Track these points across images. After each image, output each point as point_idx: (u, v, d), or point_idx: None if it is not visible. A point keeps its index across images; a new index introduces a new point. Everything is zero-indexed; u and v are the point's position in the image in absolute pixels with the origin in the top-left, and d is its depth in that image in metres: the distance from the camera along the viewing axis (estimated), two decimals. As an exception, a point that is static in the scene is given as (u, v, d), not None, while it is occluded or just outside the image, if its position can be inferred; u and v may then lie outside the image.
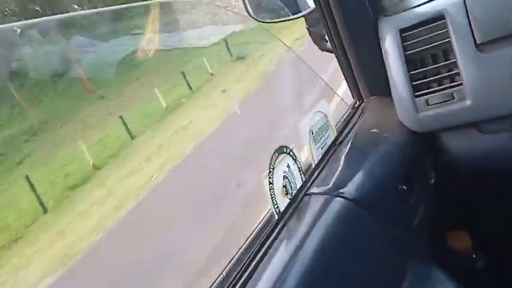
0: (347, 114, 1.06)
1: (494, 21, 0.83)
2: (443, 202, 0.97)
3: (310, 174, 0.82)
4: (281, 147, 0.78)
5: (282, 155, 0.77)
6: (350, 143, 0.91)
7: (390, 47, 0.94)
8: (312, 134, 0.87)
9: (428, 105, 0.89)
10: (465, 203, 1.00)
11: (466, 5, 0.86)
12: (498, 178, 0.94)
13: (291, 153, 0.79)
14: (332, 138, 0.92)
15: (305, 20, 1.23)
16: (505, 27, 0.82)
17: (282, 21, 1.26)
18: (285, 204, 0.73)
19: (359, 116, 1.01)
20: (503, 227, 1.01)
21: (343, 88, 1.19)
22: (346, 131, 0.95)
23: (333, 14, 1.00)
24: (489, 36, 0.83)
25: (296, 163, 0.80)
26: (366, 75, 1.04)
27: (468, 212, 1.00)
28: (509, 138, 0.88)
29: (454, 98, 0.87)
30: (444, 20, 0.88)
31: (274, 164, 0.74)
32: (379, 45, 0.97)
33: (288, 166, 0.78)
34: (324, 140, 0.90)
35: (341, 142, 0.91)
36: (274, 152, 0.75)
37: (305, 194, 0.76)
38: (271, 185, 0.72)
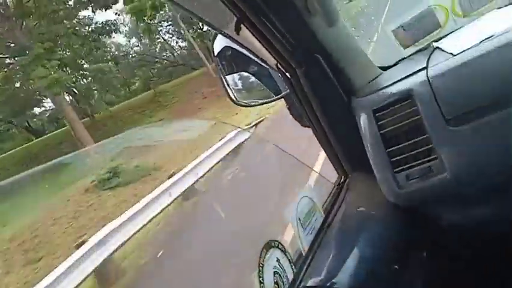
0: (333, 192, 1.08)
1: (459, 97, 0.88)
2: (438, 274, 0.97)
3: (301, 264, 0.83)
4: (269, 242, 0.79)
5: (271, 250, 0.79)
6: (338, 225, 0.93)
7: (365, 126, 0.99)
8: (300, 220, 0.89)
9: (408, 180, 0.92)
10: (460, 273, 1.00)
11: (430, 84, 0.91)
12: (488, 245, 0.95)
13: (279, 246, 0.81)
14: (320, 221, 0.94)
15: (285, 100, 1.30)
16: (470, 102, 0.86)
17: (262, 103, 1.32)
18: (278, 303, 0.74)
19: (345, 193, 1.04)
20: None
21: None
22: (333, 211, 0.97)
23: (307, 97, 1.06)
24: (456, 111, 0.87)
25: (286, 255, 0.82)
26: (347, 152, 1.08)
27: (465, 281, 1.00)
28: (493, 206, 0.90)
29: (432, 171, 0.90)
30: (413, 99, 0.93)
31: (263, 261, 0.76)
32: (356, 123, 1.02)
33: (278, 260, 0.79)
34: (312, 225, 0.92)
35: (329, 225, 0.93)
36: (263, 249, 0.77)
37: None
38: (262, 284, 0.73)
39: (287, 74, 1.06)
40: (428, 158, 0.90)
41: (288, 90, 1.17)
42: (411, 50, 1.14)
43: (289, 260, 0.82)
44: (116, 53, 31.47)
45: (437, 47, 1.02)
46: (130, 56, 33.83)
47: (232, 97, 1.35)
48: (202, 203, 6.74)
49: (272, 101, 1.29)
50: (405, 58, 1.15)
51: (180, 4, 0.91)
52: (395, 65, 1.16)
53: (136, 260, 5.80)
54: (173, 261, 5.13)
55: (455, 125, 0.87)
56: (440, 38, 1.09)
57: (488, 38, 0.91)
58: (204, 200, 6.83)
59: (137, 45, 35.40)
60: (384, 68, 1.18)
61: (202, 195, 7.07)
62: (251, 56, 1.15)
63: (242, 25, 0.94)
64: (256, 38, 0.96)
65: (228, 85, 1.39)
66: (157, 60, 35.48)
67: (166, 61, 35.99)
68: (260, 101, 1.33)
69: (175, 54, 36.80)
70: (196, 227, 5.89)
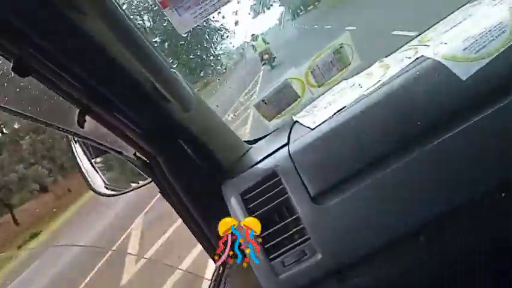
0: (212, 284, 0.98)
1: (321, 172, 0.86)
2: None
3: None
4: None
5: None
6: None
7: (235, 211, 0.92)
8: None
9: (284, 266, 0.86)
10: None
11: (293, 160, 0.88)
12: None
13: None
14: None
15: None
16: (332, 176, 0.85)
17: (129, 191, 1.19)
18: None
19: (224, 284, 0.94)
20: None
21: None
22: None
23: (172, 185, 0.96)
24: (321, 187, 0.85)
25: None
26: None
27: None
28: (369, 280, 0.87)
29: (306, 254, 0.85)
30: (278, 177, 0.89)
31: None
32: (227, 207, 0.95)
33: None
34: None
35: None
36: None
37: None
38: None
39: (148, 162, 0.96)
40: (300, 240, 0.86)
41: (148, 181, 1.06)
42: (276, 122, 1.13)
43: None
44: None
45: (296, 121, 1.02)
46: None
47: (93, 186, 1.20)
48: None
49: (140, 187, 1.17)
50: (272, 131, 1.13)
51: (21, 113, 0.78)
52: (262, 138, 1.14)
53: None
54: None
55: (320, 202, 0.85)
56: (302, 109, 1.10)
57: (340, 109, 0.93)
58: None
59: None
60: (252, 142, 1.15)
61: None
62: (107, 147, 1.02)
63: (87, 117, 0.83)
64: (107, 128, 0.85)
65: (88, 173, 1.24)
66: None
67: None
68: (126, 190, 1.20)
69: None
70: None
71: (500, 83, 0.78)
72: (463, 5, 1.00)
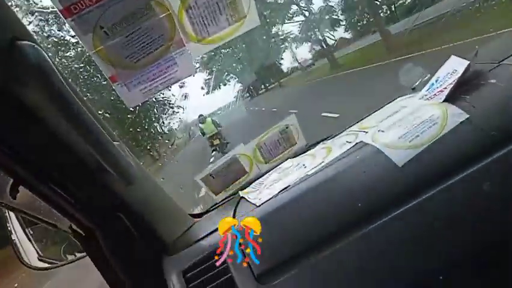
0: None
1: (265, 250, 0.86)
2: None
3: None
4: None
5: None
6: None
7: None
8: None
9: None
10: None
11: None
12: None
13: None
14: None
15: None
16: (276, 254, 0.85)
17: (64, 264, 1.12)
18: None
19: None
20: None
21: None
22: None
23: (109, 261, 0.91)
24: (264, 266, 0.84)
25: None
26: None
27: None
28: None
29: None
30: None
31: None
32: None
33: None
34: None
35: None
36: None
37: None
38: None
39: (84, 235, 0.91)
40: None
41: None
42: (222, 195, 1.14)
43: None
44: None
45: (243, 197, 1.03)
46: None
47: (25, 259, 1.11)
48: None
49: (77, 260, 1.10)
50: (217, 205, 1.13)
51: None
52: (207, 212, 1.13)
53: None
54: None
55: (264, 281, 0.83)
56: (249, 184, 1.12)
57: (285, 188, 0.95)
58: None
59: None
60: (198, 215, 1.13)
61: None
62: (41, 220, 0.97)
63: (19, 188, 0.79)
64: (40, 200, 0.81)
65: (21, 243, 1.16)
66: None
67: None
68: (61, 263, 1.12)
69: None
70: None
71: (433, 171, 0.85)
72: (394, 99, 1.10)
